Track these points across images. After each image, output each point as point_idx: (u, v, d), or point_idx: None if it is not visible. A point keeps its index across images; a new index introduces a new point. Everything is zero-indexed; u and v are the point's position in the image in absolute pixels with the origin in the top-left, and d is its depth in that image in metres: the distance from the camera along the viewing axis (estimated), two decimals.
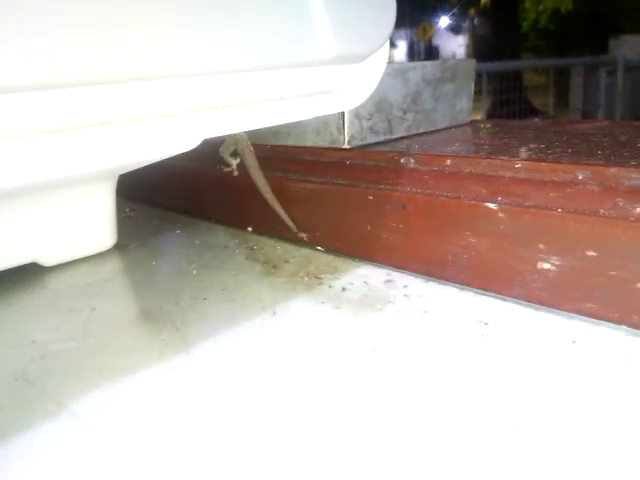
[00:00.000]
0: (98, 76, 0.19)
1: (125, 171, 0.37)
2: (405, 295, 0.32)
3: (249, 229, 0.45)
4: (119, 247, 0.43)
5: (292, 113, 0.27)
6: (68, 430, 0.22)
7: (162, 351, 0.27)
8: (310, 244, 0.40)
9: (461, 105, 0.47)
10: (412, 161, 0.34)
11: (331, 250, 0.39)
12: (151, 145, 0.24)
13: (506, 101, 3.84)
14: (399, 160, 0.35)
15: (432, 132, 0.44)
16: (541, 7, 5.36)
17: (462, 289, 0.32)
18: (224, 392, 0.24)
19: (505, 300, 0.30)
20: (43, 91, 0.20)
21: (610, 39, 3.89)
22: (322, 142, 0.39)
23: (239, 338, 0.28)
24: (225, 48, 0.21)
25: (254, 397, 0.24)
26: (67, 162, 0.23)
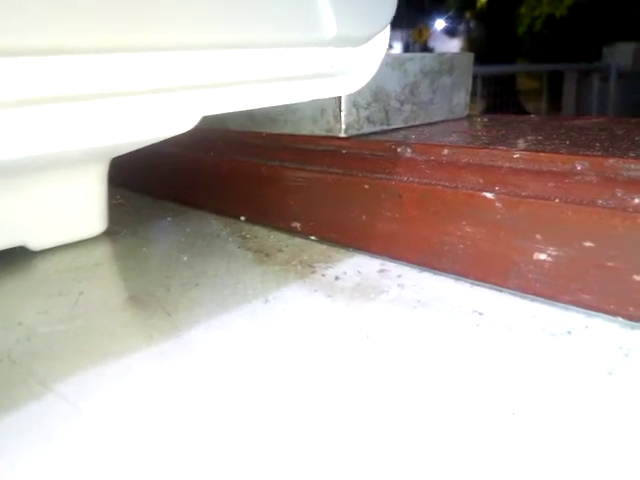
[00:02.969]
0: (90, 44, 0.19)
1: (118, 154, 0.37)
2: (399, 285, 0.31)
3: (242, 218, 0.45)
4: (109, 233, 0.43)
5: (291, 94, 0.26)
6: (54, 411, 0.21)
7: (152, 335, 0.27)
8: (304, 233, 0.40)
9: (458, 98, 0.46)
10: (409, 150, 0.34)
11: (325, 240, 0.39)
12: (146, 122, 0.24)
13: (499, 105, 3.86)
14: (396, 149, 0.34)
15: (429, 124, 0.43)
16: (536, 12, 5.39)
17: (457, 279, 0.31)
18: (216, 377, 0.24)
19: (501, 291, 0.30)
20: (29, 57, 0.19)
21: (604, 46, 3.92)
22: (318, 130, 0.38)
23: (231, 324, 0.28)
24: (224, 21, 0.21)
25: (246, 383, 0.23)
26: (56, 136, 0.22)
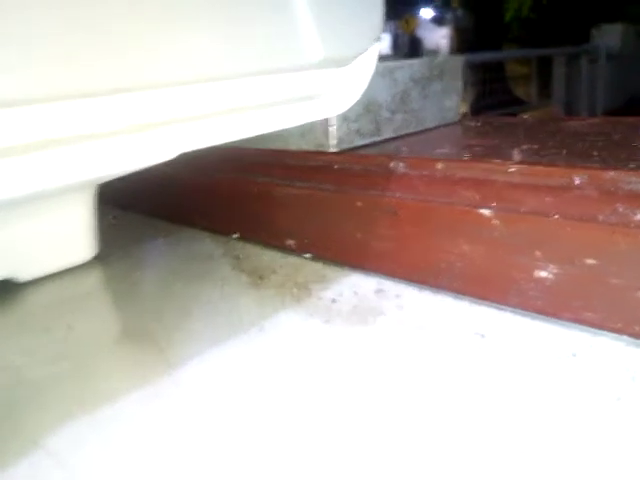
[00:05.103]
0: (71, 90, 0.18)
1: (101, 182, 0.36)
2: (398, 306, 0.30)
3: (234, 236, 0.44)
4: (100, 258, 0.42)
5: (277, 121, 0.25)
6: (43, 471, 0.20)
7: (145, 375, 0.26)
8: (298, 251, 0.39)
9: (450, 103, 0.46)
10: (402, 165, 0.33)
11: (320, 257, 0.38)
12: (127, 158, 0.23)
13: (489, 92, 3.85)
14: (388, 164, 0.33)
15: (421, 132, 0.43)
16: None
17: (457, 298, 0.31)
18: (211, 420, 0.23)
19: (502, 310, 0.29)
20: (13, 107, 0.18)
21: (592, 28, 3.90)
22: (308, 146, 0.37)
23: (226, 357, 0.27)
24: (204, 54, 0.20)
25: (241, 423, 0.22)
26: (40, 178, 0.22)
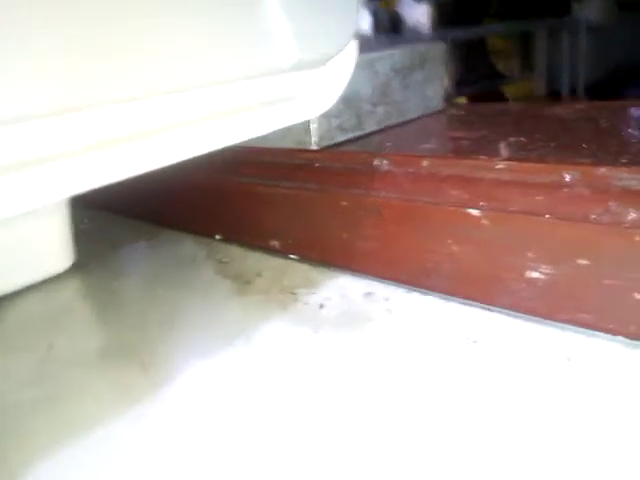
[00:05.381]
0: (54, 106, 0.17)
1: None
2: (387, 310, 0.30)
3: (217, 237, 0.42)
4: (78, 266, 0.40)
5: (253, 128, 0.24)
6: None
7: (128, 395, 0.25)
8: (283, 252, 0.38)
9: (432, 92, 0.44)
10: (386, 163, 0.32)
11: (306, 259, 0.37)
12: (96, 174, 0.22)
13: (472, 67, 3.83)
14: (372, 162, 0.32)
15: (404, 123, 0.41)
16: None
17: (447, 300, 0.30)
18: (196, 442, 0.22)
19: (493, 311, 0.28)
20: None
21: (572, 1, 3.88)
22: (288, 144, 0.36)
23: (210, 372, 0.26)
24: (174, 62, 0.19)
25: (227, 444, 0.21)
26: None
